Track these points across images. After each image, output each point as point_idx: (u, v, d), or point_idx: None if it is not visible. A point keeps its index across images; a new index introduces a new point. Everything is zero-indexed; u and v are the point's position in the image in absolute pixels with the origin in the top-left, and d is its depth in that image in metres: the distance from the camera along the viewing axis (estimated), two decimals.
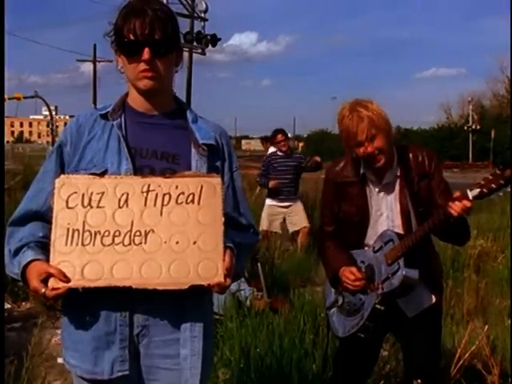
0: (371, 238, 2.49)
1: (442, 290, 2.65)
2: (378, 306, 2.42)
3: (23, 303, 4.90)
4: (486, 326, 3.40)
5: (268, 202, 7.32)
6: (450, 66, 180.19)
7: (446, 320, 4.22)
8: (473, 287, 5.19)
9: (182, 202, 1.60)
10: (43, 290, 1.52)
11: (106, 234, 1.57)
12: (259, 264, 4.90)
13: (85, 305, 1.62)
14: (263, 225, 7.24)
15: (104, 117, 1.70)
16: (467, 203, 2.19)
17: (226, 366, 3.24)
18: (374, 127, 2.30)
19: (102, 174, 1.62)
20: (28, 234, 1.64)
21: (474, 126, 47.13)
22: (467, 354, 2.90)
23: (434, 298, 2.50)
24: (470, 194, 2.20)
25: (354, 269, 2.47)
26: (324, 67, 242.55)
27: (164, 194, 1.60)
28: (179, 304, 1.64)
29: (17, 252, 1.62)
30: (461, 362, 2.83)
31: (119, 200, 1.59)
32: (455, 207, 2.20)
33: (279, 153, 7.16)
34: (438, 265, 2.60)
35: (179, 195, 1.60)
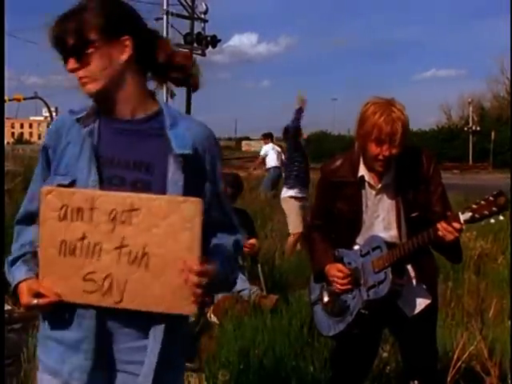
0: (365, 238, 2.50)
1: (437, 287, 2.68)
2: (363, 311, 2.46)
3: None
4: (485, 328, 3.41)
5: (292, 194, 6.94)
6: (450, 67, 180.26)
7: (446, 321, 4.22)
8: (473, 288, 5.19)
9: (158, 223, 1.52)
10: (35, 301, 1.53)
11: (87, 248, 1.54)
12: (259, 265, 4.91)
13: (58, 309, 1.59)
14: (295, 227, 6.85)
15: (79, 121, 1.63)
16: (457, 226, 2.21)
17: (224, 367, 3.25)
18: (404, 133, 2.28)
19: (71, 184, 1.58)
20: (29, 241, 1.66)
21: (474, 128, 47.13)
22: (465, 355, 2.90)
23: (431, 297, 2.52)
24: (462, 218, 2.22)
25: (340, 265, 2.50)
26: (324, 68, 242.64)
27: (142, 213, 1.52)
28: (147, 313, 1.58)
29: (14, 262, 1.64)
30: (459, 363, 2.83)
31: (102, 215, 1.53)
32: (445, 232, 2.22)
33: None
34: (433, 263, 2.61)
35: (156, 215, 1.52)
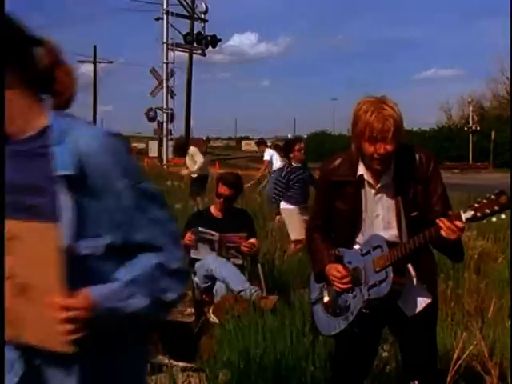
0: (365, 238, 2.50)
1: (437, 286, 2.69)
2: (364, 310, 2.46)
3: None
4: (485, 327, 3.41)
5: (292, 208, 7.08)
6: (450, 66, 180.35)
7: (447, 321, 4.22)
8: (473, 288, 5.18)
9: (30, 251, 1.40)
10: None
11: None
12: (259, 265, 4.91)
13: None
14: (297, 234, 6.82)
15: None
16: (460, 225, 2.22)
17: (225, 367, 3.25)
18: (396, 130, 2.28)
19: None
20: None
21: (474, 127, 47.18)
22: (465, 354, 2.90)
23: (431, 296, 2.52)
24: (464, 216, 2.22)
25: (339, 265, 2.50)
26: (324, 68, 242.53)
27: (19, 241, 1.41)
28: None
29: None
30: (459, 362, 2.83)
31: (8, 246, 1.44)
32: (447, 230, 2.22)
33: (294, 164, 7.09)
34: (433, 262, 2.61)
35: (28, 243, 1.41)
